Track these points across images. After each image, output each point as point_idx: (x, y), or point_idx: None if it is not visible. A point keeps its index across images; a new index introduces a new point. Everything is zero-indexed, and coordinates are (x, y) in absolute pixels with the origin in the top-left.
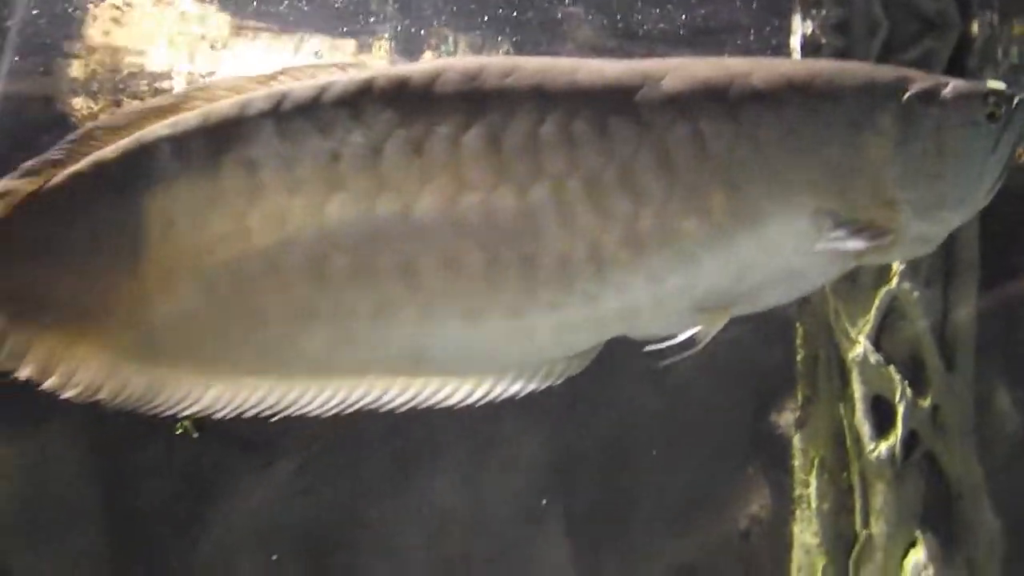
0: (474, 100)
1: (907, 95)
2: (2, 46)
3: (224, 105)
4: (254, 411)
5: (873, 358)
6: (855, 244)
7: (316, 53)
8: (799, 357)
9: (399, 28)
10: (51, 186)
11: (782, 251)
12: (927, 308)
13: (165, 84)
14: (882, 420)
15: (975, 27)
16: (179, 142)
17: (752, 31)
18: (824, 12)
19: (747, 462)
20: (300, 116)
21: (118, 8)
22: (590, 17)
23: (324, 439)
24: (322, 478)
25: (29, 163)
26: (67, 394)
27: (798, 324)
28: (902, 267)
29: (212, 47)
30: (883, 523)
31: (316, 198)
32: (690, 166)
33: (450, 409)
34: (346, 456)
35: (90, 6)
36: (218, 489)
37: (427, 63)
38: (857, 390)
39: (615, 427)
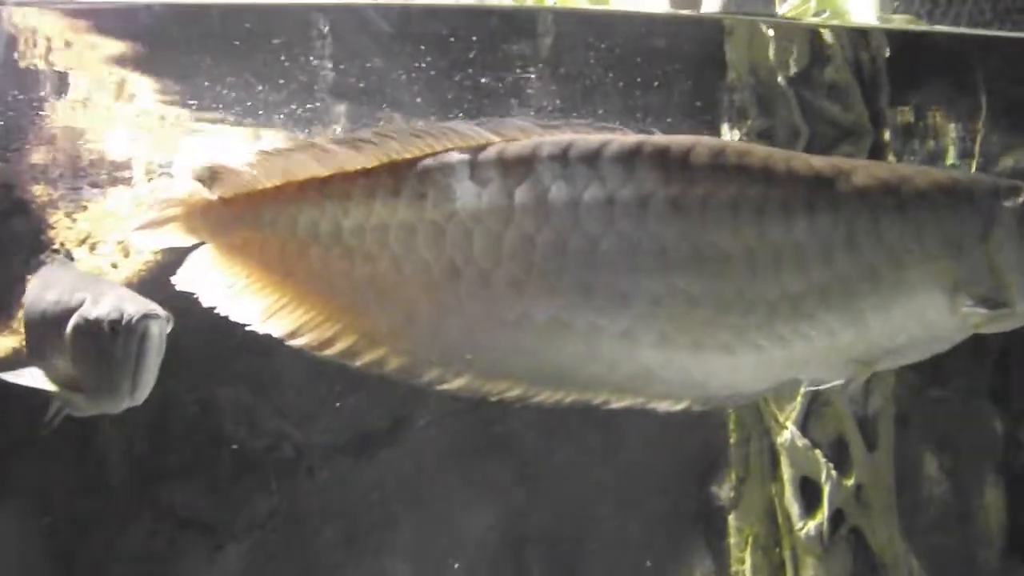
0: (719, 171)
1: (1019, 199)
2: None
3: (517, 145)
4: (493, 398)
5: (800, 442)
6: (982, 310)
7: (274, 145)
8: (732, 440)
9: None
10: (344, 175)
11: (925, 318)
12: (850, 395)
13: (125, 173)
14: (810, 499)
15: (887, 134)
16: (478, 168)
17: None
18: (750, 122)
19: (690, 533)
20: (584, 165)
21: (80, 103)
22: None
23: (274, 520)
24: (275, 558)
25: (305, 142)
26: (321, 353)
27: (730, 410)
28: None
29: (170, 141)
30: None
31: (592, 232)
32: (869, 245)
33: (400, 487)
34: (295, 536)
35: (50, 101)
36: (171, 573)
37: (682, 137)
38: (786, 472)
39: (564, 500)
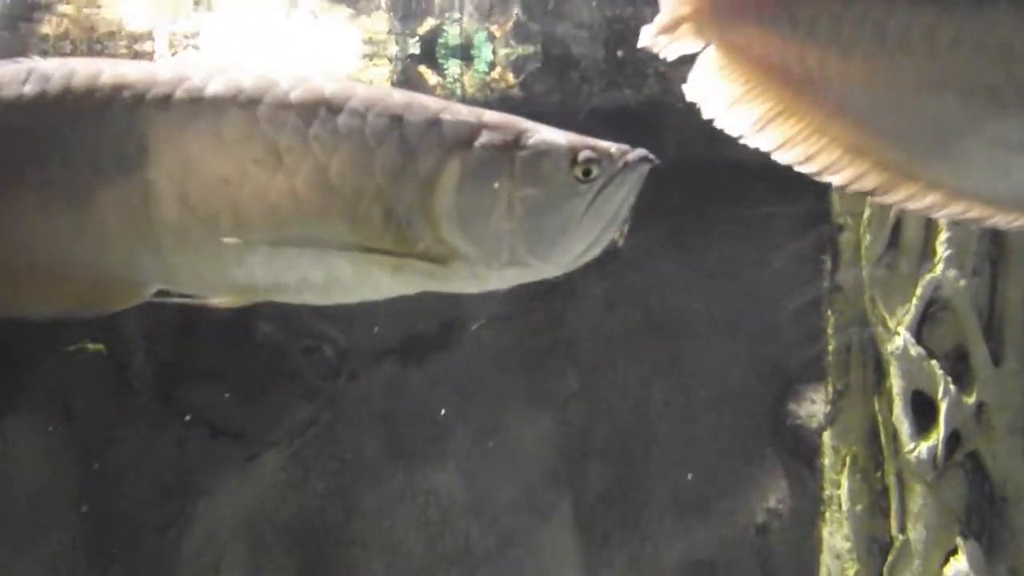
0: None
1: None
2: None
3: None
4: (955, 219)
5: (914, 351)
6: None
7: (313, 13)
8: (830, 348)
9: None
10: None
11: None
12: (974, 298)
13: (146, 46)
14: (922, 417)
15: None
16: None
17: None
18: None
19: (764, 453)
20: None
21: None
22: None
23: (314, 429)
24: (314, 469)
25: None
26: (803, 167)
27: (829, 312)
28: (947, 253)
29: (196, 4)
30: (921, 528)
31: None
32: None
33: (451, 395)
34: (339, 445)
35: None
36: (202, 483)
37: None
38: (895, 385)
39: (625, 413)
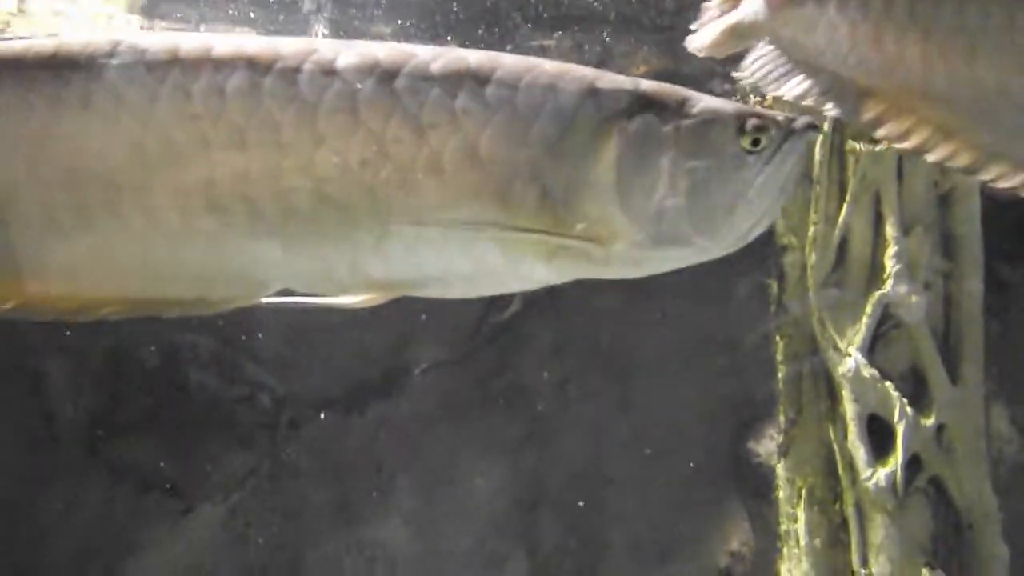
0: None
1: None
2: None
3: None
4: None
5: (866, 372)
6: None
7: None
8: (780, 375)
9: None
10: None
11: None
12: (927, 313)
13: None
14: (879, 443)
15: None
16: None
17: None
18: None
19: (725, 495)
20: None
21: (11, 14)
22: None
23: (252, 481)
24: (254, 524)
25: None
26: (899, 145)
27: (778, 338)
28: (896, 268)
29: None
30: (884, 560)
31: None
32: None
33: (396, 444)
34: (281, 498)
35: None
36: (132, 540)
37: None
38: (849, 409)
39: (580, 458)
